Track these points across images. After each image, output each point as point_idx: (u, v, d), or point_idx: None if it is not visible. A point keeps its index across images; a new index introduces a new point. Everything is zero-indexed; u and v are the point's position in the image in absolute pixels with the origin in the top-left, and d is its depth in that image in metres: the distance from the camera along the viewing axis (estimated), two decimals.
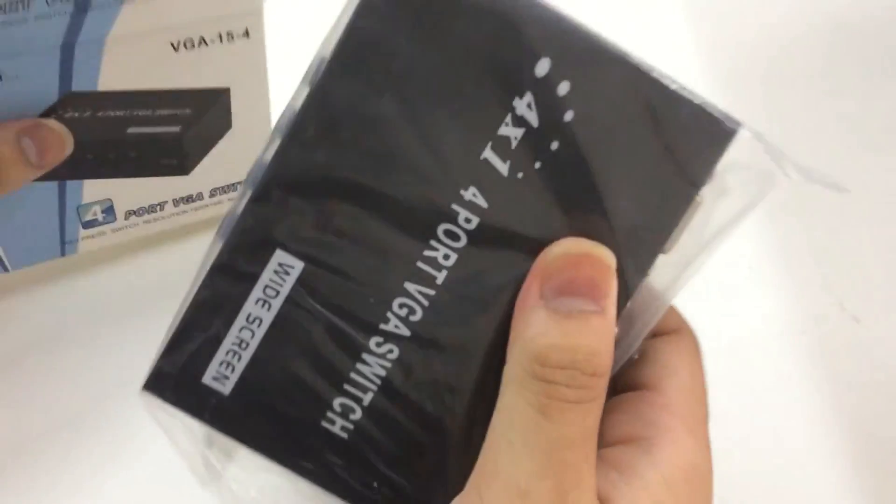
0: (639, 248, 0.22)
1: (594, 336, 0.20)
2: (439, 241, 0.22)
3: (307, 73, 0.21)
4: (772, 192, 0.22)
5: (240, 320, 0.22)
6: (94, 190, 0.36)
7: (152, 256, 0.39)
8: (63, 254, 0.38)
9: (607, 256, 0.21)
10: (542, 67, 0.20)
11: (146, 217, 0.38)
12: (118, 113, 0.33)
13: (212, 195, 0.38)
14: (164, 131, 0.35)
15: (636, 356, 0.23)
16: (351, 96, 0.21)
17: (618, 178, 0.21)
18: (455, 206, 0.21)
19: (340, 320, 0.22)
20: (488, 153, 0.21)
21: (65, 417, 0.36)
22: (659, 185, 0.21)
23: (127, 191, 0.36)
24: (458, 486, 0.22)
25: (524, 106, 0.20)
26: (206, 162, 0.37)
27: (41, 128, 0.32)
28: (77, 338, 0.37)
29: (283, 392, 0.23)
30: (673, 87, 0.21)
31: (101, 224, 0.37)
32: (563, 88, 0.20)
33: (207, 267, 0.22)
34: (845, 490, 0.36)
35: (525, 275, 0.21)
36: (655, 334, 0.24)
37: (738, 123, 0.21)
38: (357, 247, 0.22)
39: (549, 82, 0.20)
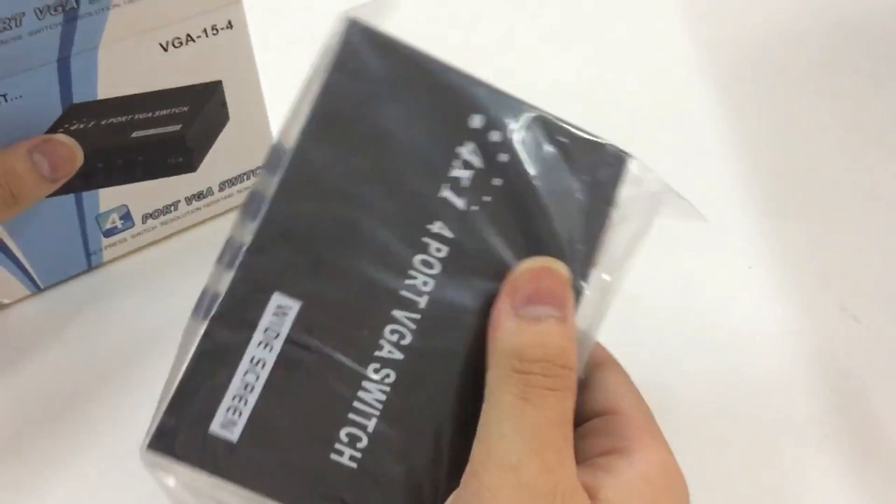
0: (577, 260, 0.26)
1: (559, 336, 0.24)
2: (417, 270, 0.25)
3: (265, 160, 0.24)
4: (659, 212, 0.27)
5: (244, 364, 0.23)
6: (109, 197, 0.37)
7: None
8: (90, 265, 0.39)
9: (563, 269, 0.25)
10: (477, 122, 0.25)
11: (162, 219, 0.39)
12: (121, 119, 0.35)
13: (221, 189, 0.40)
14: (167, 131, 0.36)
15: (582, 375, 0.27)
16: (327, 157, 0.24)
17: (551, 204, 0.25)
18: (425, 239, 0.25)
19: (339, 353, 0.24)
20: (446, 192, 0.25)
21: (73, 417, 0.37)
22: (582, 207, 0.26)
23: (140, 194, 0.38)
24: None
25: (468, 152, 0.25)
26: (211, 156, 0.38)
27: (51, 143, 0.33)
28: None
29: (291, 429, 0.24)
30: (574, 130, 0.26)
31: (121, 231, 0.39)
32: (495, 136, 0.25)
33: (207, 319, 0.23)
34: (845, 490, 0.36)
35: (493, 289, 0.25)
36: (592, 365, 0.28)
37: (628, 154, 0.27)
38: (347, 284, 0.24)
39: (484, 133, 0.25)
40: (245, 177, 0.40)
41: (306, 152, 0.24)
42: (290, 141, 0.24)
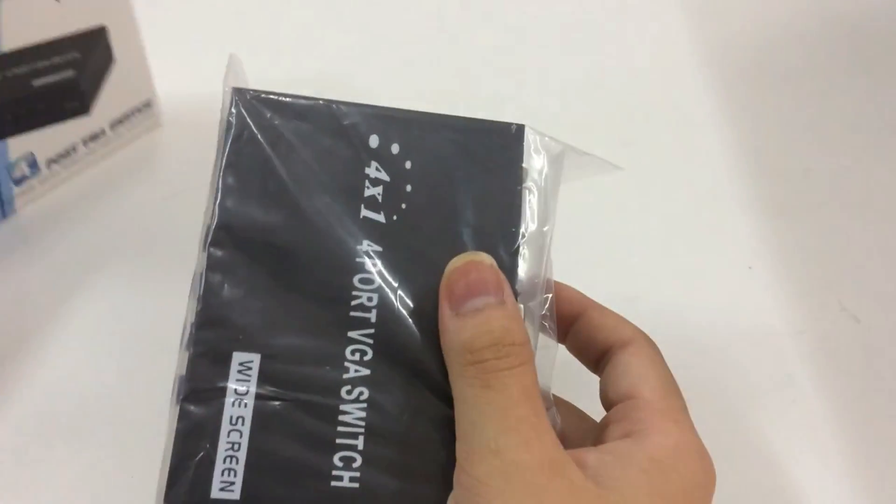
0: (504, 240, 0.27)
1: (500, 318, 0.25)
2: (359, 289, 0.26)
3: (201, 239, 0.26)
4: (565, 167, 0.28)
5: (225, 426, 0.25)
6: (16, 147, 0.41)
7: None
8: (4, 215, 0.43)
9: (486, 258, 0.26)
10: (374, 142, 0.27)
11: (64, 163, 0.44)
12: (23, 69, 0.40)
13: (112, 128, 0.45)
14: (63, 77, 0.41)
15: (547, 313, 0.28)
16: (246, 222, 0.26)
17: (465, 195, 0.27)
18: (359, 259, 0.27)
19: (308, 394, 0.25)
20: (365, 212, 0.27)
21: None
22: (494, 190, 0.28)
23: (43, 140, 0.43)
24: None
25: (374, 170, 0.27)
26: (101, 98, 0.43)
27: None
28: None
29: (287, 473, 0.25)
30: (466, 122, 0.28)
31: (29, 178, 0.43)
32: (395, 149, 0.27)
33: (179, 402, 0.25)
34: (845, 490, 0.36)
35: (433, 287, 0.26)
36: (618, 346, 0.29)
37: (522, 125, 0.28)
38: (297, 326, 0.26)
39: (383, 149, 0.27)
40: (131, 114, 0.46)
41: (226, 224, 0.26)
42: (212, 217, 0.26)
